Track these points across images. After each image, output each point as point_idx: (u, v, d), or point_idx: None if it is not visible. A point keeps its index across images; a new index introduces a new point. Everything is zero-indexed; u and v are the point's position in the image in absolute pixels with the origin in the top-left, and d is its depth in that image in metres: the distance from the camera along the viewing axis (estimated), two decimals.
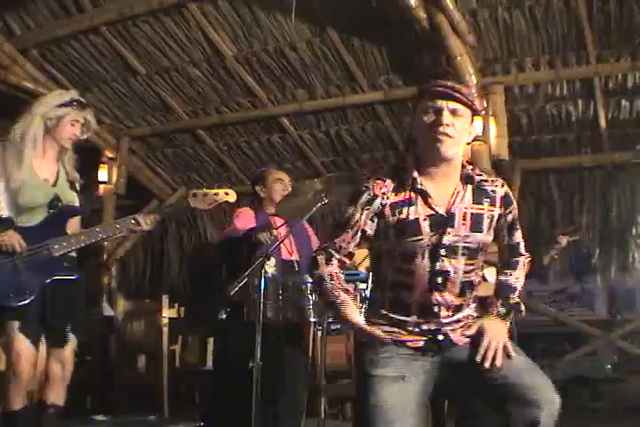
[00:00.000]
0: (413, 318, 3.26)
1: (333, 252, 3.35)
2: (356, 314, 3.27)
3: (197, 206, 4.81)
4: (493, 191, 3.37)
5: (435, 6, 7.22)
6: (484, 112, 3.24)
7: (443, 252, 3.22)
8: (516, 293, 3.43)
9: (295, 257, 5.65)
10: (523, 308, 3.46)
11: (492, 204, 3.35)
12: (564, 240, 6.21)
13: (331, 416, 6.14)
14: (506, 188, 3.42)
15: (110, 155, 10.77)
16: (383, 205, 3.29)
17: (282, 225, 5.05)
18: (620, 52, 7.73)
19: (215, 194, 4.81)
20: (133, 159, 11.12)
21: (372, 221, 3.31)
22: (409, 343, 3.24)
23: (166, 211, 4.91)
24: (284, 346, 5.23)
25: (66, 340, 4.70)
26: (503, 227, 3.41)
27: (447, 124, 3.20)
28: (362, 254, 5.44)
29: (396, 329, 3.27)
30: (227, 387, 5.35)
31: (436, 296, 3.23)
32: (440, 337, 3.24)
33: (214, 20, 8.61)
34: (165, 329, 7.60)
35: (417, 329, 3.25)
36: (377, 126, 9.41)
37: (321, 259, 3.35)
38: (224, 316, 5.43)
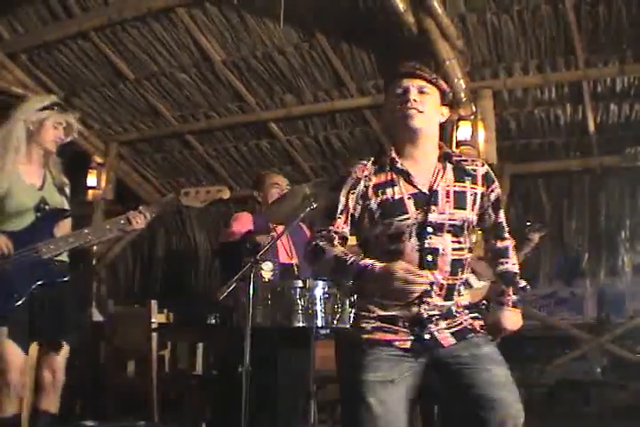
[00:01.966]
0: (404, 311, 3.21)
1: (332, 237, 3.35)
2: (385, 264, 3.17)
3: (190, 204, 4.76)
4: (474, 170, 3.40)
5: (423, 11, 7.23)
6: (450, 94, 3.26)
7: (429, 229, 3.23)
8: (517, 276, 3.46)
9: (295, 261, 5.64)
10: (527, 286, 3.50)
11: (474, 182, 3.38)
12: (535, 236, 6.20)
13: (321, 421, 6.13)
14: (486, 167, 3.46)
15: (99, 160, 10.78)
16: (366, 187, 3.32)
17: (283, 230, 5.02)
18: (608, 57, 7.75)
19: (207, 191, 4.76)
20: (122, 164, 11.12)
21: (358, 205, 3.34)
22: (396, 343, 3.20)
23: (157, 209, 4.83)
24: (279, 352, 5.22)
25: (59, 345, 4.67)
26: (487, 206, 3.43)
27: (415, 100, 3.29)
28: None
29: (384, 325, 3.23)
30: (228, 392, 5.33)
31: (428, 275, 3.16)
32: (426, 336, 3.20)
33: (203, 24, 8.61)
34: (155, 335, 7.57)
35: (406, 324, 3.21)
36: (365, 131, 9.42)
37: (324, 244, 3.33)
38: (213, 321, 5.42)
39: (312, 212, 4.80)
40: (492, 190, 3.43)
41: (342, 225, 3.36)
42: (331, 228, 3.36)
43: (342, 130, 9.55)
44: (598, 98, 8.27)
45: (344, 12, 7.91)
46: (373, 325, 3.25)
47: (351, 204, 3.34)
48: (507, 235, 3.51)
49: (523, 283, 3.49)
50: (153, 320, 7.65)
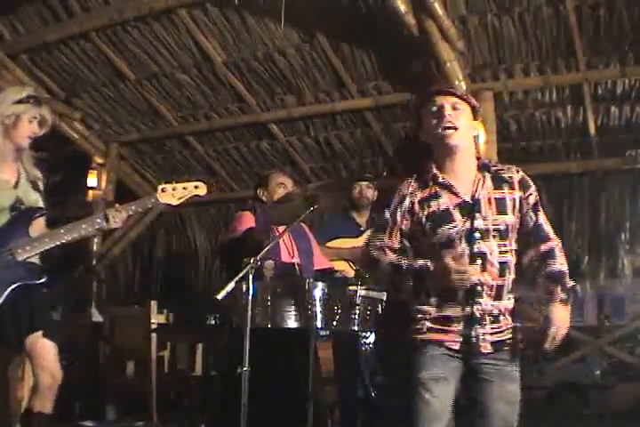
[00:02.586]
0: (458, 305, 3.45)
1: (384, 247, 3.62)
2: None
3: (167, 202, 4.71)
4: (510, 177, 3.64)
5: (424, 13, 7.22)
6: (480, 110, 3.37)
7: (477, 235, 3.47)
8: (567, 276, 3.56)
9: (296, 260, 5.62)
10: (576, 286, 3.56)
11: (512, 188, 3.62)
12: None
13: (318, 423, 6.12)
14: (522, 173, 3.69)
15: (99, 161, 10.77)
16: (413, 203, 3.61)
17: (284, 230, 5.00)
18: (609, 59, 7.75)
19: (184, 188, 4.70)
20: (122, 165, 11.12)
21: (406, 219, 3.62)
22: (447, 344, 3.46)
23: (133, 207, 4.74)
24: (278, 353, 5.21)
25: (50, 348, 4.60)
26: (527, 209, 3.64)
27: (450, 115, 3.55)
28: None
29: (437, 326, 3.48)
30: (227, 393, 5.32)
31: (479, 277, 3.42)
32: (473, 339, 3.43)
33: (204, 25, 8.60)
34: (154, 335, 7.57)
35: (458, 325, 3.46)
36: (366, 132, 9.41)
37: (377, 254, 3.62)
38: (213, 322, 5.41)
39: (313, 213, 4.81)
40: (530, 194, 3.66)
41: (392, 239, 3.63)
42: (379, 242, 3.64)
43: (343, 131, 9.54)
44: (599, 100, 8.26)
45: (345, 14, 7.91)
46: (428, 326, 3.51)
47: (399, 219, 3.62)
48: (551, 235, 3.68)
49: (571, 283, 3.56)
50: (152, 321, 7.65)
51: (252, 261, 4.43)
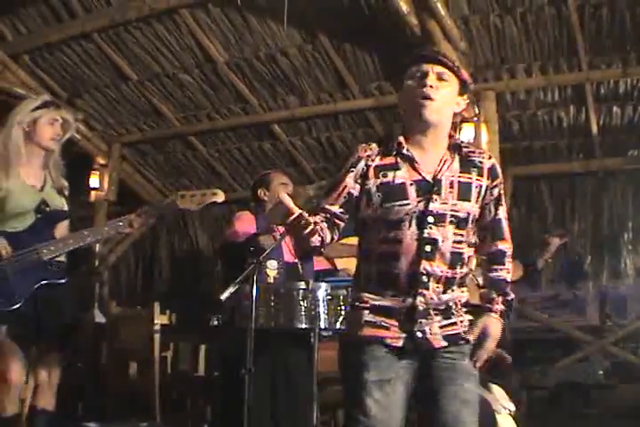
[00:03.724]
0: (400, 294, 3.20)
1: (321, 210, 3.33)
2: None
3: (186, 207, 4.78)
4: (480, 162, 3.35)
5: (426, 13, 7.21)
6: (472, 86, 3.25)
7: (430, 219, 3.18)
8: (509, 286, 3.38)
9: (298, 260, 5.61)
10: (515, 303, 3.43)
11: (480, 174, 3.33)
12: (555, 241, 6.18)
13: (323, 423, 6.12)
14: (493, 160, 3.41)
15: (101, 161, 10.76)
16: (367, 167, 3.30)
17: (285, 233, 5.00)
18: (611, 59, 7.74)
19: (203, 194, 4.78)
20: (124, 165, 11.11)
21: (357, 183, 3.30)
22: (388, 340, 3.18)
23: (155, 212, 4.86)
24: (281, 353, 5.21)
25: (54, 345, 4.69)
26: (489, 201, 3.36)
27: (431, 86, 3.23)
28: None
29: (377, 318, 3.22)
30: (230, 393, 5.32)
31: (425, 265, 3.17)
32: (418, 334, 3.17)
33: (206, 26, 8.60)
34: (157, 336, 7.56)
35: (399, 317, 3.19)
36: (368, 133, 9.40)
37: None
38: (216, 322, 5.40)
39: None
40: (496, 185, 3.37)
41: (335, 199, 3.32)
42: (322, 202, 3.35)
43: (345, 131, 9.54)
44: (601, 100, 8.26)
45: (347, 14, 7.90)
46: (366, 318, 3.23)
47: (350, 181, 3.31)
48: (506, 236, 3.43)
49: (511, 295, 3.36)
50: (155, 322, 7.65)
51: (255, 261, 4.44)
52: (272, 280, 5.20)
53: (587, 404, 8.86)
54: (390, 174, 3.25)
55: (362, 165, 3.31)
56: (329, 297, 4.93)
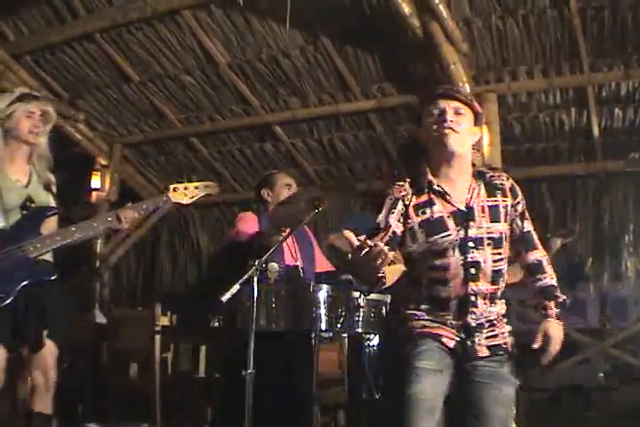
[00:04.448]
0: (452, 315, 3.42)
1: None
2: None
3: (179, 201, 4.76)
4: (502, 184, 3.61)
5: (428, 15, 7.21)
6: (483, 117, 3.33)
7: (471, 244, 3.41)
8: (558, 289, 3.58)
9: (300, 263, 5.60)
10: (567, 299, 3.58)
11: (504, 195, 3.58)
12: (557, 242, 6.16)
13: (323, 425, 6.12)
14: (511, 180, 3.67)
15: (103, 162, 10.76)
16: (406, 206, 3.50)
17: (288, 234, 4.99)
18: (613, 61, 7.74)
19: (196, 187, 4.76)
20: (126, 166, 11.12)
21: (400, 222, 3.49)
22: (443, 339, 3.41)
23: (145, 207, 4.82)
24: (282, 355, 5.21)
25: (41, 344, 4.63)
26: (515, 217, 3.60)
27: (451, 121, 3.45)
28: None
29: (434, 324, 3.44)
30: (231, 395, 5.32)
31: (472, 286, 3.40)
32: (469, 342, 3.40)
33: (208, 27, 8.60)
34: (158, 337, 7.56)
35: (454, 322, 3.42)
36: (370, 134, 9.41)
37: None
38: (217, 323, 5.40)
39: (317, 215, 4.79)
40: (519, 202, 3.63)
41: (382, 240, 3.32)
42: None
43: (347, 133, 9.54)
44: (603, 102, 8.26)
45: (349, 15, 7.90)
46: (423, 323, 3.45)
47: (393, 222, 3.48)
48: (538, 245, 3.66)
49: (563, 297, 3.58)
50: (156, 323, 7.65)
51: (256, 263, 4.43)
52: (272, 282, 5.18)
53: (587, 406, 8.85)
54: (428, 211, 3.48)
55: (400, 205, 3.51)
56: (330, 299, 4.93)
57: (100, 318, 9.34)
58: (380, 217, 3.52)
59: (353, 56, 8.47)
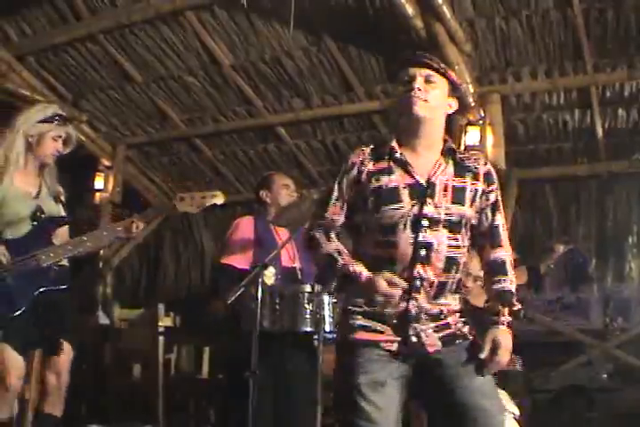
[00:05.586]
0: (392, 302, 3.14)
1: (329, 227, 3.33)
2: (371, 276, 3.12)
3: (186, 210, 4.76)
4: (475, 167, 3.33)
5: (432, 15, 7.21)
6: (461, 88, 3.21)
7: (425, 222, 3.15)
8: (515, 296, 3.29)
9: (297, 264, 5.58)
10: (522, 312, 3.39)
11: (475, 178, 3.31)
12: (559, 248, 6.17)
13: (327, 425, 6.12)
14: (489, 165, 3.39)
15: (106, 163, 10.78)
16: (360, 172, 3.28)
17: (289, 237, 4.98)
18: (616, 62, 7.74)
19: (203, 197, 4.76)
20: (129, 167, 11.13)
21: (352, 190, 3.30)
22: (383, 344, 3.14)
23: (152, 216, 4.86)
24: (286, 356, 5.20)
25: (60, 349, 4.66)
26: (485, 206, 3.33)
27: (419, 89, 3.23)
28: None
29: (371, 323, 3.18)
30: (234, 396, 5.31)
31: (419, 269, 3.14)
32: (413, 338, 3.14)
33: (211, 28, 8.60)
34: (161, 338, 7.57)
35: (392, 322, 3.16)
36: (373, 135, 9.39)
37: (320, 236, 3.32)
38: (220, 324, 5.40)
39: None
40: (492, 190, 3.34)
41: (337, 212, 3.32)
42: (326, 215, 3.33)
43: (350, 134, 9.55)
44: (606, 103, 8.26)
45: (352, 16, 7.90)
46: (360, 322, 3.21)
47: (345, 189, 3.31)
48: (505, 243, 3.35)
49: (518, 305, 3.33)
50: (159, 324, 7.66)
51: (260, 265, 4.44)
52: (269, 286, 5.16)
53: (590, 407, 8.81)
54: (383, 179, 3.24)
55: (355, 171, 3.30)
56: (334, 300, 4.92)
57: (103, 319, 9.36)
58: (334, 185, 3.35)
59: (356, 57, 8.47)
